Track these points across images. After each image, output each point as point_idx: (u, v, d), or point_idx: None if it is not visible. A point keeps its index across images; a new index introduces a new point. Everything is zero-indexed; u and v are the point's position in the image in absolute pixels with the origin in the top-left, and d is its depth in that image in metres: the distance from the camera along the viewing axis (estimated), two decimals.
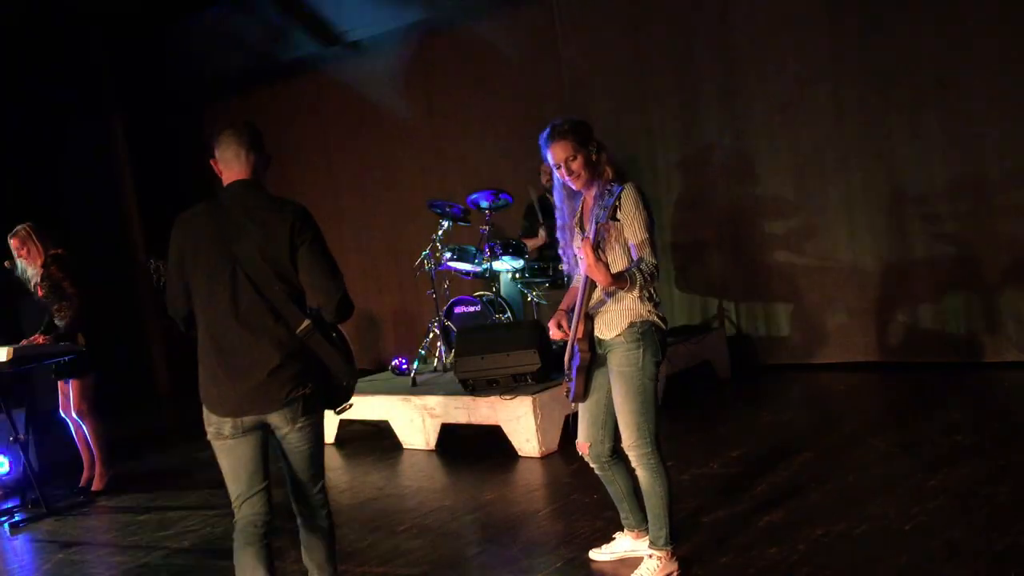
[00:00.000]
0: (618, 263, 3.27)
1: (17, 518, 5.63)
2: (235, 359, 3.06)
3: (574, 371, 3.42)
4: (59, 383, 5.95)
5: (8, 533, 5.44)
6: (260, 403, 3.06)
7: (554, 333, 3.47)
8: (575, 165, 3.31)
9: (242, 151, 3.19)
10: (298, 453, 3.19)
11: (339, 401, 3.28)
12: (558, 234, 3.56)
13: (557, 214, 3.53)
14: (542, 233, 7.06)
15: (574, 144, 3.30)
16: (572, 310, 3.49)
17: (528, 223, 7.26)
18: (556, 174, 3.39)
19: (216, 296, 3.09)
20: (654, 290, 3.35)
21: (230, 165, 3.20)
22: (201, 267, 3.11)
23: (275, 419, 3.11)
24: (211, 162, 3.26)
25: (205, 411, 3.13)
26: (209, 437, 3.15)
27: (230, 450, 3.14)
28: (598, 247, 3.13)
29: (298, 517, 3.30)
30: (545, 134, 3.36)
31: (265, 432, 3.15)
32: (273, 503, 3.22)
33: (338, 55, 9.55)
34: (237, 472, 3.17)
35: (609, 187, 3.20)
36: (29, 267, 5.85)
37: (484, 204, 7.00)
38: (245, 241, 3.07)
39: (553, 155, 3.33)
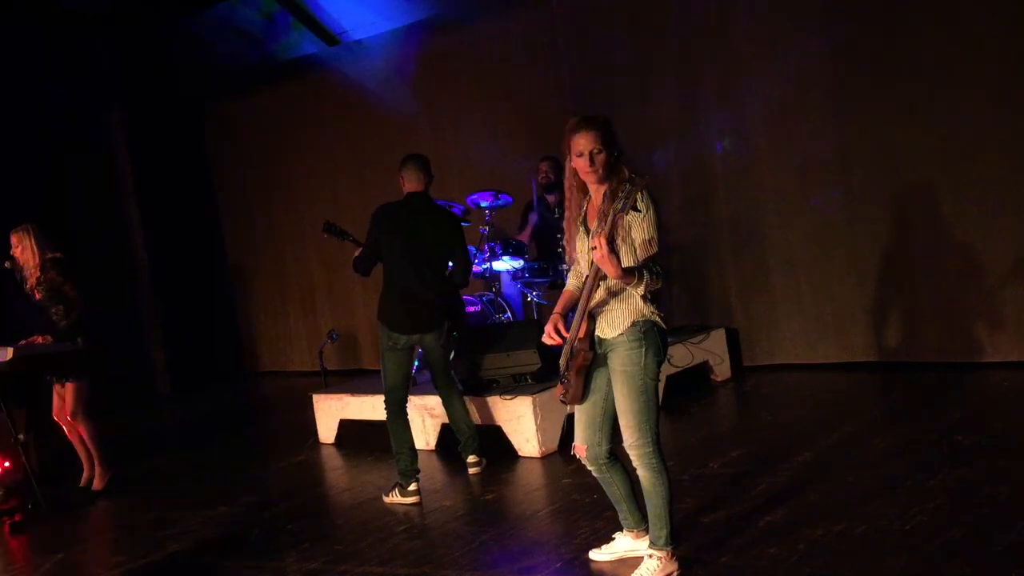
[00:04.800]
0: (625, 260, 3.26)
1: (17, 518, 5.63)
2: (414, 298, 5.02)
3: (573, 372, 3.41)
4: (54, 386, 5.93)
5: (8, 533, 5.44)
6: (423, 325, 5.03)
7: (548, 338, 3.43)
8: (599, 158, 3.29)
9: (421, 175, 5.14)
10: (441, 360, 5.21)
11: (460, 327, 5.35)
12: (565, 226, 3.55)
13: (566, 206, 3.53)
14: (527, 230, 7.09)
15: (604, 138, 3.29)
16: (566, 313, 3.48)
17: (525, 220, 7.27)
18: (572, 163, 3.37)
19: (401, 259, 5.03)
20: (653, 290, 3.34)
21: (412, 183, 5.14)
22: (393, 241, 5.04)
23: (429, 338, 5.07)
24: (398, 176, 5.18)
25: (386, 330, 5.02)
26: (385, 348, 5.04)
27: (396, 357, 5.05)
28: (612, 240, 3.12)
29: (441, 396, 5.37)
30: (576, 120, 3.33)
31: (413, 350, 5.18)
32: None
33: (338, 55, 9.55)
34: (396, 370, 5.06)
35: (625, 184, 3.18)
36: (24, 266, 5.85)
37: (484, 204, 7.01)
38: (422, 229, 5.06)
39: (579, 142, 3.29)
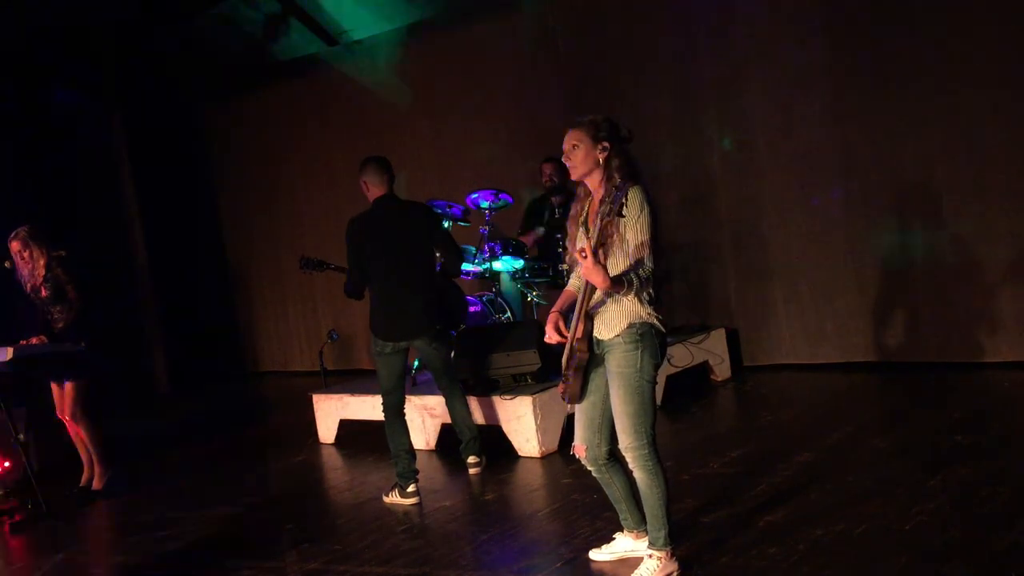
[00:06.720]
0: (620, 264, 3.26)
1: (17, 518, 5.63)
2: (399, 304, 4.92)
3: (572, 371, 3.41)
4: (52, 385, 5.92)
5: (8, 533, 5.44)
6: (412, 331, 4.95)
7: (550, 337, 3.42)
8: (574, 155, 3.36)
9: (384, 176, 4.95)
10: (437, 361, 5.16)
11: (458, 324, 5.62)
12: (568, 227, 3.57)
13: (572, 207, 3.55)
14: (539, 231, 7.06)
15: (582, 135, 3.35)
16: (565, 312, 3.49)
17: (528, 222, 7.25)
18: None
19: (383, 268, 4.90)
20: (652, 292, 3.34)
21: (377, 187, 4.95)
22: (372, 251, 4.89)
23: (420, 342, 5.02)
24: (361, 183, 4.98)
25: (374, 337, 4.96)
26: (375, 354, 4.99)
27: (387, 361, 4.97)
28: (599, 249, 3.12)
29: (444, 396, 5.33)
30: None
31: (405, 353, 5.02)
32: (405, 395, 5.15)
33: (338, 55, 9.55)
34: (389, 375, 4.99)
35: (617, 187, 3.19)
36: (33, 266, 5.83)
37: (484, 204, 7.00)
38: (398, 231, 4.92)
39: (564, 140, 3.39)
